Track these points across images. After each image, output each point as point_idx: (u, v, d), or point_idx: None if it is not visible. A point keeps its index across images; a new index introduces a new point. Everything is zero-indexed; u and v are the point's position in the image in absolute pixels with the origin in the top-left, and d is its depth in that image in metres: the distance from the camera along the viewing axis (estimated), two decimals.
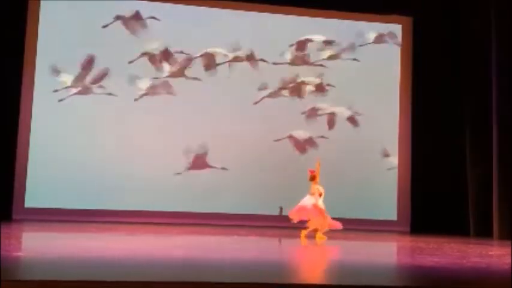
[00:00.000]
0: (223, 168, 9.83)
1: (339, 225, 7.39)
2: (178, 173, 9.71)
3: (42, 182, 9.38)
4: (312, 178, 7.29)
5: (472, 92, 9.71)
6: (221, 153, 9.82)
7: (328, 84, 10.19)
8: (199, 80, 9.81)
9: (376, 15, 10.31)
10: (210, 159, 9.82)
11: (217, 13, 10.07)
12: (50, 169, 9.40)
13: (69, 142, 9.50)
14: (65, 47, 9.63)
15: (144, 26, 9.81)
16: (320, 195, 7.28)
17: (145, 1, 9.87)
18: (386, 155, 10.12)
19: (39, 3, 9.60)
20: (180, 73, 9.70)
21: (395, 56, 10.38)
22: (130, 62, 9.73)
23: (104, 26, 9.72)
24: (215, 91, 9.90)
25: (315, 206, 7.19)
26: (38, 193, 9.34)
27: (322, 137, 10.08)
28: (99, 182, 9.52)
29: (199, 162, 9.79)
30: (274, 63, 10.05)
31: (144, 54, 9.78)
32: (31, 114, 9.44)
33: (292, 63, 10.13)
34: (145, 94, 9.77)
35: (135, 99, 9.73)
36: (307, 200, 7.25)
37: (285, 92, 10.09)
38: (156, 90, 9.78)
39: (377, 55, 10.32)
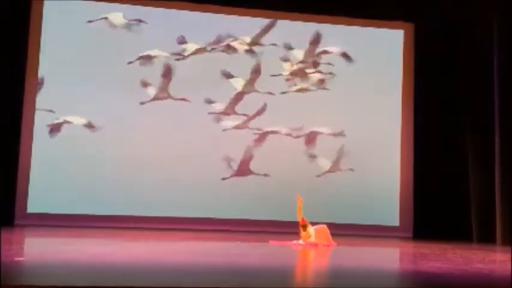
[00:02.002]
0: (265, 175, 9.84)
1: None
2: (185, 178, 9.74)
3: (45, 187, 9.38)
4: (304, 227, 7.46)
5: (474, 97, 9.69)
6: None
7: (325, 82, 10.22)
8: (188, 101, 9.80)
9: (379, 21, 10.33)
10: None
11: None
12: (53, 174, 9.41)
13: (72, 147, 9.50)
14: (68, 48, 9.65)
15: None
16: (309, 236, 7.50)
17: (150, 7, 9.90)
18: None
19: (43, 3, 9.62)
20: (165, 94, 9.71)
21: (397, 61, 10.37)
22: (129, 63, 9.75)
23: (89, 21, 9.71)
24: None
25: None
26: (40, 198, 9.34)
27: (341, 134, 10.10)
28: (101, 187, 9.52)
29: (243, 168, 9.81)
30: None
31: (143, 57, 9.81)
32: (33, 118, 9.45)
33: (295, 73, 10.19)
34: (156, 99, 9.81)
35: (142, 103, 9.76)
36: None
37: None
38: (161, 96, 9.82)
39: (379, 60, 10.32)
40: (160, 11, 9.95)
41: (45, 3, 9.64)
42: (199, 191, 9.74)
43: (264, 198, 9.83)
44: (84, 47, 9.71)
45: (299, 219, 7.55)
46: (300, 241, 7.50)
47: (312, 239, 7.42)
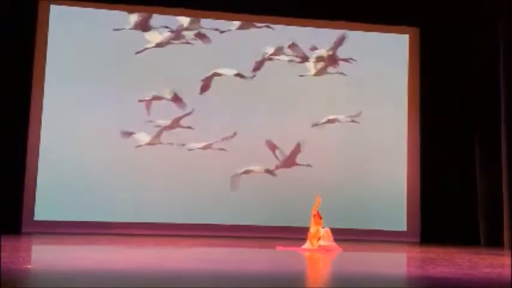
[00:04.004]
0: (308, 165, 9.88)
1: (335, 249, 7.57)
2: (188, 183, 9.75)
3: (52, 194, 9.41)
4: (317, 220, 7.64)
5: (481, 102, 9.67)
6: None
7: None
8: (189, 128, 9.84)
9: (384, 25, 10.34)
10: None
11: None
12: (60, 182, 9.44)
13: (79, 154, 9.53)
14: (74, 53, 9.70)
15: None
16: (318, 238, 7.56)
17: (155, 13, 9.94)
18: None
19: (49, 7, 9.68)
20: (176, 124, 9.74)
21: (402, 66, 10.37)
22: (137, 53, 9.78)
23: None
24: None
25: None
26: (47, 206, 9.36)
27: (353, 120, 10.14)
28: (108, 194, 9.54)
29: (289, 160, 9.88)
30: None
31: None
32: (40, 126, 9.48)
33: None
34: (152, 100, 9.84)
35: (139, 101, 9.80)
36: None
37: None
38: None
39: (384, 65, 10.33)
40: (167, 18, 9.99)
41: (51, 7, 9.70)
42: (205, 198, 9.75)
43: (269, 203, 9.85)
44: (90, 50, 9.75)
45: (313, 213, 7.63)
46: (307, 244, 7.51)
47: (320, 242, 7.46)
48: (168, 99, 9.83)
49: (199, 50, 10.00)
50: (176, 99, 9.83)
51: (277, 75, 10.09)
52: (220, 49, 10.03)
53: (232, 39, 10.09)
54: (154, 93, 9.79)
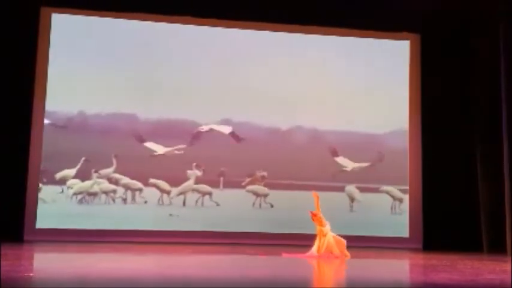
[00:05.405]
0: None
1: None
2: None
3: (54, 202, 9.42)
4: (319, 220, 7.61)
5: (482, 108, 9.66)
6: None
7: None
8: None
9: (385, 32, 10.35)
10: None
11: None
12: (62, 189, 9.46)
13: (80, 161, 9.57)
14: (76, 60, 9.73)
15: None
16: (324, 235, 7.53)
17: (157, 21, 9.97)
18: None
19: (51, 15, 9.70)
20: None
21: (403, 71, 10.37)
22: None
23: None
24: None
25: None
26: (49, 214, 9.36)
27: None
28: (110, 202, 9.56)
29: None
30: None
31: None
32: (42, 133, 9.49)
33: None
34: None
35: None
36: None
37: None
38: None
39: (385, 72, 10.33)
40: (166, 25, 10.03)
41: (53, 15, 9.72)
42: (208, 204, 9.76)
43: (274, 210, 9.86)
44: (92, 57, 9.78)
45: (316, 212, 7.60)
46: (313, 249, 7.49)
47: (330, 239, 7.46)
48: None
49: None
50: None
51: None
52: None
53: None
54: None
